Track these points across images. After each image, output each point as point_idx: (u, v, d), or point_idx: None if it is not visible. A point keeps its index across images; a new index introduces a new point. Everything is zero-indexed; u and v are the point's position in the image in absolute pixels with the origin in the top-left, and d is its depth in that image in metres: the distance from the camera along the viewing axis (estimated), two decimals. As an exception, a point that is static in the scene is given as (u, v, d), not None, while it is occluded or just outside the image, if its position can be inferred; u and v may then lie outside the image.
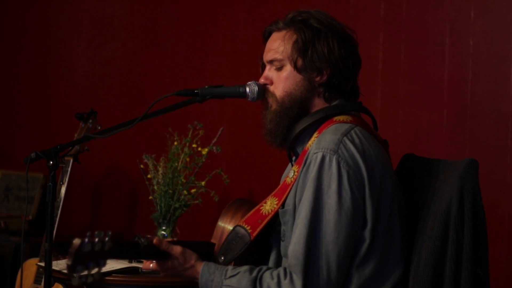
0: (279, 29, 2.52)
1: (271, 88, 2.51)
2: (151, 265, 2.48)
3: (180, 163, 3.92)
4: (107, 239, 2.15)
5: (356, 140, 2.39)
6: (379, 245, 2.38)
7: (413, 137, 3.85)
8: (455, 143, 3.74)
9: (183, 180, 3.90)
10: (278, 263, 2.52)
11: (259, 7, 4.37)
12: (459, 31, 3.72)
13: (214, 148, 3.95)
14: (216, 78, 4.40)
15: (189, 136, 3.95)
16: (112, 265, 3.42)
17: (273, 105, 2.50)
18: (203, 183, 3.92)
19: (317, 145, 2.39)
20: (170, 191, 3.88)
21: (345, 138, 2.38)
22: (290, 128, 2.49)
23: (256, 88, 2.52)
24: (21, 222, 4.74)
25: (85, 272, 2.11)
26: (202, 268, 2.43)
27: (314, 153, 2.38)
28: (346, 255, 2.35)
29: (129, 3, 4.87)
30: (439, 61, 3.77)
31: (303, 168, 2.41)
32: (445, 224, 2.37)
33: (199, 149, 3.95)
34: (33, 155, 2.43)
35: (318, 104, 2.50)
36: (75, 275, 2.10)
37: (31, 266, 3.83)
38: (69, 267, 2.07)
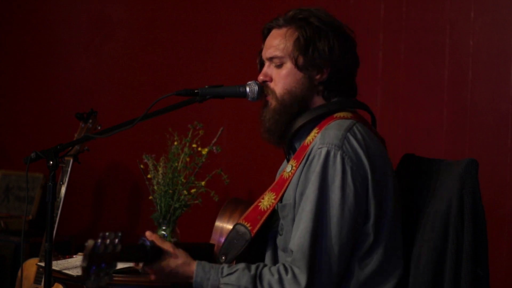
0: (279, 26, 2.52)
1: (271, 85, 2.51)
2: (140, 265, 2.44)
3: (180, 163, 3.91)
4: (117, 240, 2.15)
5: (359, 136, 2.41)
6: (383, 242, 2.39)
7: (413, 137, 3.85)
8: (455, 143, 3.74)
9: (183, 180, 3.90)
10: (275, 259, 2.52)
11: (259, 7, 4.37)
12: (459, 31, 3.72)
13: (214, 148, 3.95)
14: (216, 78, 4.40)
15: (189, 136, 3.95)
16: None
17: (273, 103, 2.50)
18: (203, 183, 3.92)
19: (321, 140, 2.40)
20: (170, 191, 3.88)
21: (348, 133, 2.40)
22: (289, 125, 2.49)
23: (256, 88, 2.52)
24: (21, 222, 4.74)
25: (99, 273, 2.11)
26: (196, 268, 2.39)
27: (319, 148, 2.39)
28: (347, 250, 2.36)
29: (129, 3, 4.87)
30: (439, 61, 3.77)
31: (305, 162, 2.42)
32: (445, 224, 2.37)
33: (199, 149, 3.95)
34: (33, 155, 2.43)
35: (317, 102, 2.50)
36: (90, 276, 2.09)
37: (31, 266, 3.83)
38: (84, 268, 2.06)
